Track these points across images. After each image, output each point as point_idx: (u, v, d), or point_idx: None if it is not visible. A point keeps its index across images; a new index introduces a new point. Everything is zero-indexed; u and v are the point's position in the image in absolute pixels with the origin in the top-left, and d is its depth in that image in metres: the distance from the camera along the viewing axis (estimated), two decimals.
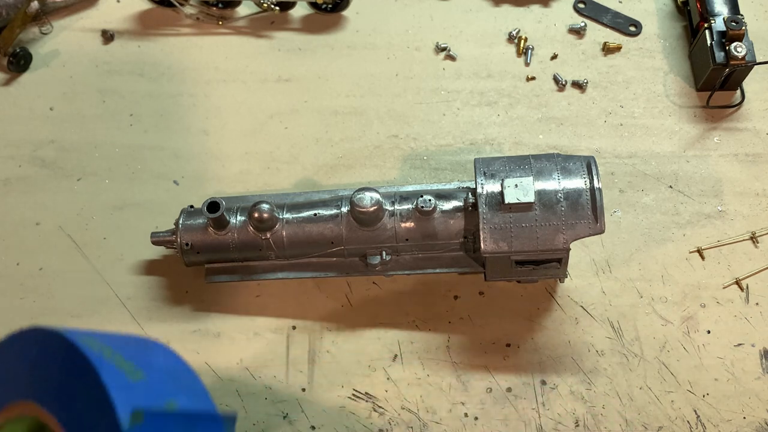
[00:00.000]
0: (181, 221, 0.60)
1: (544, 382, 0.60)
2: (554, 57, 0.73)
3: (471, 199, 0.57)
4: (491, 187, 0.55)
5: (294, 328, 0.62)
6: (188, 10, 0.77)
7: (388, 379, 0.60)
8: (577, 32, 0.75)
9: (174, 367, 0.26)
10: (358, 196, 0.56)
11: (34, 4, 0.74)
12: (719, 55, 0.66)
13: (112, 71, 0.75)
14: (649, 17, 0.75)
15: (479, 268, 0.59)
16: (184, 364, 0.27)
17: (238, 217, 0.59)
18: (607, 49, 0.74)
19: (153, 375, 0.24)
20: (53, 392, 0.25)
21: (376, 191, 0.57)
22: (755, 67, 0.67)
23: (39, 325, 0.26)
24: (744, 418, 0.58)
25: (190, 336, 0.62)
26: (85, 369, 0.24)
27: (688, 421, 0.58)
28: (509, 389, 0.59)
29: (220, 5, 0.77)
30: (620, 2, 0.76)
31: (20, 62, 0.74)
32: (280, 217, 0.59)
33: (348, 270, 0.61)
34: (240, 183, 0.68)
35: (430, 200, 0.57)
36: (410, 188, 0.62)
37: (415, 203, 0.57)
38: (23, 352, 0.27)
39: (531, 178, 0.55)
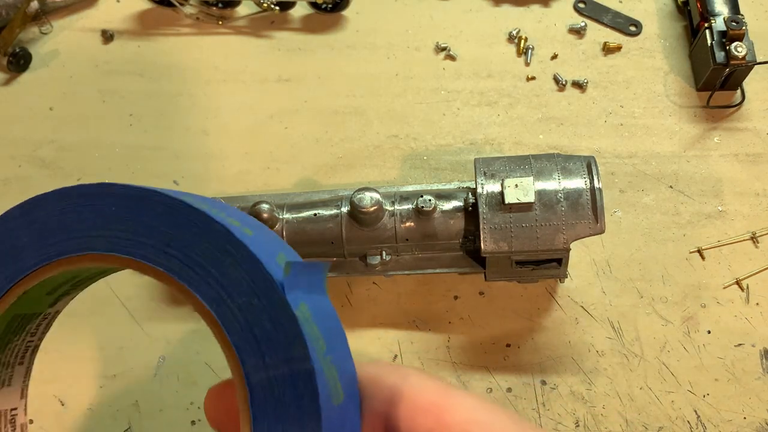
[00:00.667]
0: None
1: (544, 382, 0.60)
2: (554, 57, 0.73)
3: (471, 199, 0.57)
4: (491, 187, 0.55)
5: None
6: (188, 9, 0.77)
7: None
8: (577, 32, 0.75)
9: (262, 225, 0.28)
10: (358, 196, 0.56)
11: (34, 4, 0.74)
12: (719, 55, 0.66)
13: (112, 71, 0.75)
14: (649, 17, 0.75)
15: (479, 268, 0.59)
16: (259, 222, 0.29)
17: None
18: (607, 49, 0.74)
19: (256, 231, 0.26)
20: (159, 246, 0.26)
21: (376, 191, 0.57)
22: (755, 67, 0.67)
23: (112, 182, 0.27)
24: (744, 418, 0.58)
25: (190, 336, 0.62)
26: (202, 225, 0.25)
27: (688, 422, 0.58)
28: (509, 389, 0.59)
29: (220, 5, 0.77)
30: (620, 2, 0.76)
31: (20, 62, 0.74)
32: (280, 217, 0.59)
33: (348, 270, 0.61)
34: (240, 183, 0.68)
35: (430, 200, 0.57)
36: (410, 188, 0.61)
37: (415, 203, 0.57)
38: (92, 204, 0.27)
39: (531, 178, 0.54)
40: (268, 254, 0.25)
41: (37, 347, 0.32)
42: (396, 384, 0.28)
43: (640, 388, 0.59)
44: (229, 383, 0.28)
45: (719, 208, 0.65)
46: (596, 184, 0.54)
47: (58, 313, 0.32)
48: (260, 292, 0.24)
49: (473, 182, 0.59)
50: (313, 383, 0.23)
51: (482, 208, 0.54)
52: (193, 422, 0.60)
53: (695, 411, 0.58)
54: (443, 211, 0.58)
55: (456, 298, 0.63)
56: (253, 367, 0.24)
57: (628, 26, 0.75)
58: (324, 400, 0.23)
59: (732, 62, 0.66)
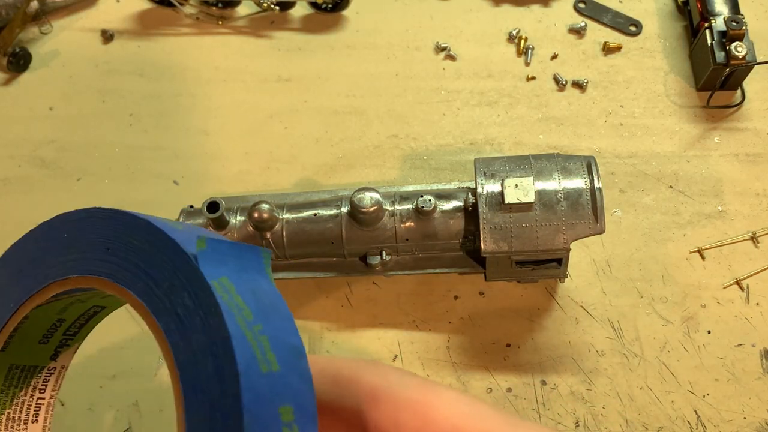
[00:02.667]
0: (180, 221, 0.60)
1: (544, 382, 0.60)
2: (554, 57, 0.73)
3: (471, 199, 0.57)
4: (491, 187, 0.55)
5: None
6: (188, 9, 0.77)
7: None
8: (578, 32, 0.75)
9: (198, 226, 0.29)
10: (358, 196, 0.56)
11: (34, 4, 0.74)
12: (719, 55, 0.66)
13: (112, 71, 0.75)
14: (649, 17, 0.75)
15: (479, 268, 0.59)
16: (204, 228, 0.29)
17: (238, 217, 0.59)
18: (608, 49, 0.73)
19: (187, 227, 0.27)
20: (98, 258, 0.26)
21: (376, 191, 0.57)
22: (755, 67, 0.67)
23: (58, 214, 0.28)
24: (744, 418, 0.58)
25: None
26: (133, 224, 0.26)
27: (688, 422, 0.58)
28: (509, 389, 0.59)
29: (220, 5, 0.77)
30: (620, 2, 0.76)
31: (20, 62, 0.74)
32: (280, 217, 0.59)
33: (348, 270, 0.61)
34: (240, 183, 0.68)
35: (430, 200, 0.57)
36: (410, 188, 0.61)
37: (415, 203, 0.57)
38: (49, 238, 0.29)
39: (531, 178, 0.54)
40: (191, 238, 0.25)
41: (50, 406, 0.32)
42: (375, 382, 0.27)
43: (640, 388, 0.59)
44: None
45: (719, 208, 0.65)
46: (596, 184, 0.54)
47: (64, 368, 0.32)
48: (180, 271, 0.24)
49: (473, 182, 0.59)
50: (230, 348, 0.22)
51: (482, 208, 0.54)
52: None
53: (695, 411, 0.58)
54: (443, 211, 0.58)
55: (456, 298, 0.63)
56: (180, 347, 0.24)
57: (628, 26, 0.75)
58: (244, 366, 0.22)
59: (732, 62, 0.66)
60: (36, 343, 0.31)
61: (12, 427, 0.31)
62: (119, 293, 0.26)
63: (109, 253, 0.26)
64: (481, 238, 0.54)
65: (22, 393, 0.31)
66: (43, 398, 0.32)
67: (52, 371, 0.32)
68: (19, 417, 0.31)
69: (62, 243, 0.28)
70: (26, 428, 0.31)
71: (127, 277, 0.25)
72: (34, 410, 0.31)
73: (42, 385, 0.32)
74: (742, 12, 0.68)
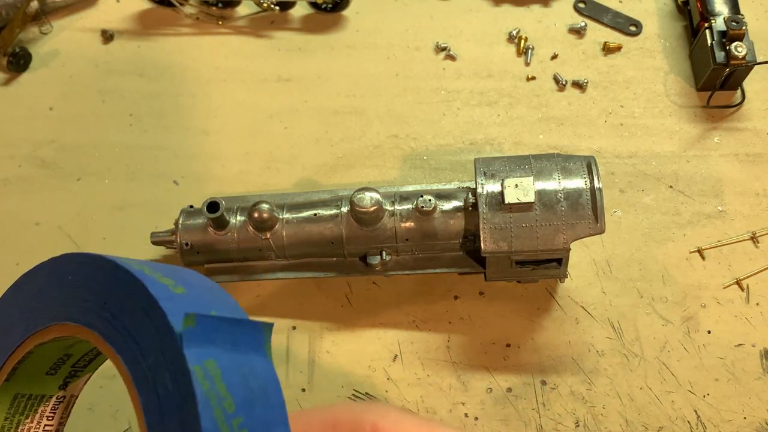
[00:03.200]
0: (180, 221, 0.60)
1: (544, 382, 0.60)
2: (554, 57, 0.73)
3: (471, 199, 0.57)
4: (491, 187, 0.55)
5: (294, 328, 0.62)
6: (188, 9, 0.77)
7: (388, 379, 0.60)
8: (578, 32, 0.75)
9: (208, 285, 0.27)
10: (358, 196, 0.56)
11: (34, 4, 0.74)
12: (719, 55, 0.66)
13: (112, 71, 0.75)
14: (649, 17, 0.75)
15: (479, 268, 0.59)
16: (215, 284, 0.28)
17: (238, 217, 0.59)
18: (608, 49, 0.74)
19: (192, 289, 0.26)
20: (95, 309, 0.25)
21: (376, 191, 0.57)
22: (755, 67, 0.67)
23: (70, 252, 0.27)
24: (744, 418, 0.58)
25: None
26: (130, 283, 0.24)
27: (688, 422, 0.58)
28: (509, 389, 0.59)
29: (220, 5, 0.77)
30: (620, 2, 0.76)
31: (20, 62, 0.74)
32: (280, 217, 0.59)
33: (348, 270, 0.61)
34: (240, 183, 0.68)
35: (430, 200, 0.57)
36: (410, 188, 0.61)
37: (415, 203, 0.57)
38: (55, 277, 0.28)
39: (531, 178, 0.54)
40: (187, 307, 0.24)
41: None
42: (377, 421, 0.27)
43: (640, 388, 0.59)
44: None
45: (719, 208, 0.65)
46: (596, 184, 0.54)
47: (74, 398, 0.32)
48: (166, 349, 0.23)
49: (473, 182, 0.59)
50: None
51: (482, 208, 0.54)
52: None
53: (695, 411, 0.58)
54: (443, 211, 0.58)
55: (456, 298, 0.63)
56: (156, 429, 0.23)
57: (628, 26, 0.75)
58: None
59: (732, 62, 0.66)
60: (43, 374, 0.30)
61: None
62: (110, 356, 0.25)
63: (105, 309, 0.25)
64: (481, 238, 0.54)
65: (29, 420, 0.31)
66: (51, 425, 0.31)
67: (61, 400, 0.31)
68: None
69: (66, 285, 0.27)
70: None
71: (119, 340, 0.24)
72: None
73: (50, 413, 0.31)
74: (742, 12, 0.68)
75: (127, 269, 0.25)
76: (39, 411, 0.31)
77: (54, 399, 0.31)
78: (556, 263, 0.56)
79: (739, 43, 0.66)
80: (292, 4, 0.76)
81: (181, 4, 0.76)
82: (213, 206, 0.58)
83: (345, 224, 0.58)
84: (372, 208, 0.56)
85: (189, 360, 0.22)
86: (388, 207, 0.58)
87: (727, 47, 0.66)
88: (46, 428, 0.31)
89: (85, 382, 0.32)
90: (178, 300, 0.24)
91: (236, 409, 0.22)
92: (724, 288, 0.62)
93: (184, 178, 0.69)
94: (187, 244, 0.60)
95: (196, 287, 0.26)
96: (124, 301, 0.24)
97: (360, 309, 0.63)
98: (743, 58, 0.65)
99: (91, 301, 0.26)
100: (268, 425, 0.23)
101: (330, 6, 0.76)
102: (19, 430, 0.30)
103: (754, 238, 0.64)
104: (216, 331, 0.23)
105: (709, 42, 0.67)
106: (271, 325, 0.25)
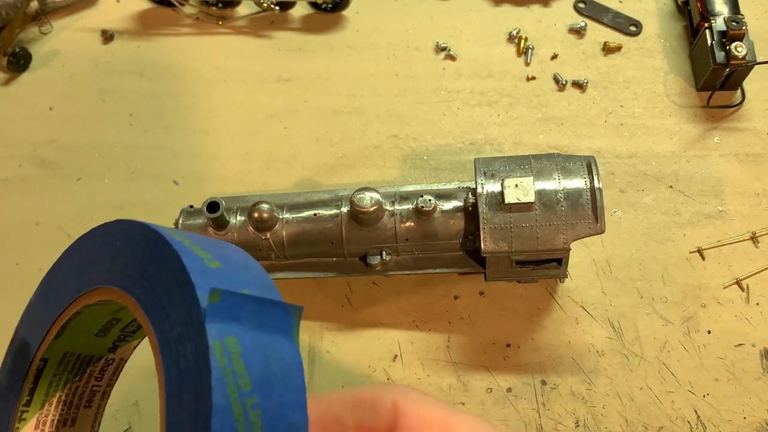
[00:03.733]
0: (180, 221, 0.60)
1: (544, 382, 0.60)
2: (554, 57, 0.73)
3: (471, 199, 0.57)
4: (491, 187, 0.55)
5: None
6: (188, 9, 0.77)
7: (388, 379, 0.60)
8: (578, 32, 0.75)
9: (247, 263, 0.27)
10: (358, 196, 0.56)
11: (34, 4, 0.74)
12: (719, 55, 0.66)
13: (112, 71, 0.75)
14: (649, 17, 0.75)
15: (479, 268, 0.59)
16: (256, 262, 0.28)
17: (238, 217, 0.59)
18: (608, 49, 0.73)
19: (228, 266, 0.26)
20: (135, 276, 0.26)
21: (376, 191, 0.57)
22: (755, 67, 0.67)
23: (122, 219, 0.28)
24: (744, 418, 0.58)
25: None
26: (168, 253, 0.25)
27: (688, 422, 0.58)
28: (509, 389, 0.59)
29: (220, 5, 0.77)
30: (620, 2, 0.76)
31: (20, 62, 0.74)
32: (280, 217, 0.59)
33: (348, 270, 0.61)
34: (240, 183, 0.68)
35: (430, 200, 0.57)
36: (410, 188, 0.61)
37: (415, 203, 0.57)
38: (106, 241, 0.28)
39: (531, 178, 0.54)
40: (226, 286, 0.24)
41: (106, 393, 0.32)
42: (398, 400, 0.28)
43: (640, 388, 0.59)
44: None
45: (719, 208, 0.65)
46: (596, 184, 0.54)
47: (123, 361, 0.32)
48: (191, 321, 0.23)
49: (473, 182, 0.59)
50: (208, 420, 0.21)
51: (482, 208, 0.54)
52: None
53: (695, 411, 0.58)
54: (443, 211, 0.58)
55: (456, 298, 0.63)
56: (173, 401, 0.23)
57: (628, 26, 0.75)
58: None
59: (732, 62, 0.66)
60: (92, 336, 0.31)
61: (63, 410, 0.31)
62: (144, 323, 0.25)
63: (144, 277, 0.25)
64: (481, 238, 0.54)
65: (77, 379, 0.31)
66: (99, 386, 0.32)
67: (110, 362, 0.32)
68: (71, 401, 0.31)
69: (115, 250, 0.27)
70: (77, 413, 0.31)
71: (153, 309, 0.25)
72: (88, 396, 0.32)
73: (99, 373, 0.32)
74: (742, 12, 0.68)
75: (165, 239, 0.25)
76: (87, 371, 0.32)
77: (103, 361, 0.32)
78: (556, 263, 0.56)
79: (739, 43, 0.66)
80: (292, 4, 0.76)
81: (181, 4, 0.76)
82: (213, 206, 0.58)
83: (345, 224, 0.58)
84: (372, 208, 0.56)
85: (209, 334, 0.22)
86: (388, 207, 0.58)
87: (727, 47, 0.66)
88: (94, 388, 0.32)
89: (135, 347, 0.32)
90: (211, 274, 0.24)
91: (252, 389, 0.22)
92: (724, 288, 0.62)
93: (184, 178, 0.69)
94: None
95: (235, 263, 0.26)
96: (161, 271, 0.25)
97: (360, 309, 0.63)
98: (743, 58, 0.65)
99: (133, 268, 0.26)
100: (284, 408, 0.23)
101: (330, 6, 0.76)
102: (67, 387, 0.31)
103: (754, 238, 0.64)
104: (242, 309, 0.23)
105: (709, 42, 0.67)
106: (301, 308, 0.25)
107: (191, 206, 0.62)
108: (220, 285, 0.24)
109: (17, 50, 0.73)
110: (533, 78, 0.73)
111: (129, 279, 0.26)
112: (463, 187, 0.61)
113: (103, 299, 0.28)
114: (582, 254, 0.64)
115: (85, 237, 0.30)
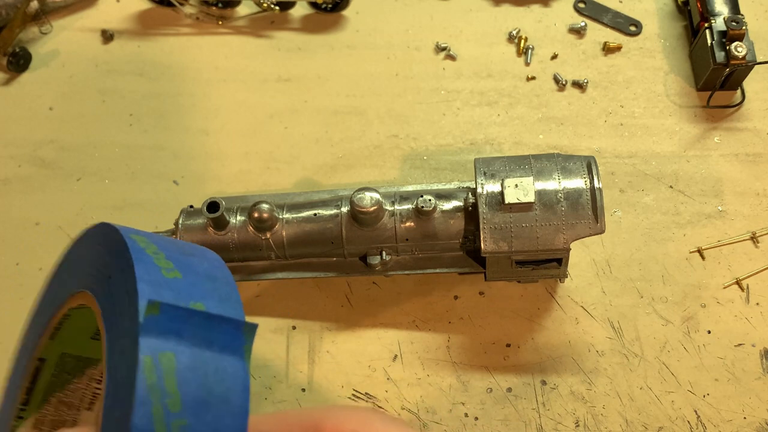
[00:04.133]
0: (180, 221, 0.60)
1: (544, 382, 0.60)
2: (554, 57, 0.73)
3: (471, 199, 0.57)
4: (491, 187, 0.55)
5: (294, 328, 0.62)
6: (188, 9, 0.77)
7: (388, 379, 0.60)
8: (578, 32, 0.75)
9: (214, 274, 0.26)
10: (358, 196, 0.56)
11: (34, 4, 0.74)
12: (719, 55, 0.66)
13: (112, 71, 0.75)
14: (649, 17, 0.75)
15: (479, 268, 0.59)
16: (227, 272, 0.27)
17: (238, 217, 0.59)
18: (608, 49, 0.74)
19: (189, 277, 0.25)
20: (102, 282, 0.25)
21: (376, 191, 0.57)
22: (755, 67, 0.67)
23: (108, 222, 0.27)
24: (744, 418, 0.58)
25: None
26: (126, 260, 0.24)
27: (688, 422, 0.58)
28: (509, 389, 0.59)
29: (219, 5, 0.77)
30: (620, 2, 0.76)
31: (20, 62, 0.74)
32: (280, 217, 0.59)
33: (348, 270, 0.61)
34: (240, 183, 0.68)
35: (430, 200, 0.57)
36: (410, 188, 0.61)
37: (415, 203, 0.57)
38: (91, 244, 0.28)
39: (531, 178, 0.54)
40: (177, 298, 0.23)
41: None
42: (339, 424, 0.26)
43: (640, 388, 0.59)
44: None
45: (719, 208, 0.65)
46: (596, 184, 0.54)
47: None
48: (131, 334, 0.22)
49: (473, 182, 0.59)
50: None
51: (482, 208, 0.54)
52: None
53: (695, 411, 0.58)
54: (443, 211, 0.58)
55: (456, 298, 0.63)
56: (107, 419, 0.22)
57: (628, 26, 0.75)
58: None
59: (732, 62, 0.66)
60: (88, 339, 0.30)
61: (63, 411, 0.31)
62: (101, 331, 0.24)
63: (109, 283, 0.25)
64: (481, 238, 0.54)
65: (77, 381, 0.31)
66: (100, 388, 0.31)
67: None
68: (72, 402, 0.31)
69: (94, 254, 0.27)
70: (79, 413, 0.31)
71: (110, 317, 0.24)
72: (90, 398, 0.31)
73: (100, 376, 0.31)
74: (742, 12, 0.68)
75: (127, 245, 0.24)
76: (87, 373, 0.31)
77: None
78: (556, 263, 0.56)
79: (739, 43, 0.66)
80: (292, 4, 0.76)
81: (181, 4, 0.76)
82: (213, 206, 0.58)
83: (345, 224, 0.58)
84: (372, 208, 0.56)
85: (141, 349, 0.21)
86: (388, 207, 0.58)
87: (727, 47, 0.66)
88: (96, 391, 0.32)
89: None
90: (164, 285, 0.23)
91: (182, 410, 0.21)
92: (724, 288, 0.62)
93: (184, 178, 0.69)
94: None
95: (198, 274, 0.25)
96: (120, 278, 0.24)
97: (360, 309, 0.63)
98: (743, 58, 0.65)
99: (102, 274, 0.26)
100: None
101: (330, 6, 0.76)
102: (67, 387, 0.31)
103: (754, 238, 0.64)
104: (186, 324, 0.22)
105: (709, 42, 0.67)
106: (254, 327, 0.24)
107: (191, 206, 0.62)
108: (171, 297, 0.22)
109: (17, 50, 0.73)
110: (533, 78, 0.73)
111: (98, 284, 0.25)
112: (463, 187, 0.61)
113: (82, 303, 0.27)
114: (582, 254, 0.64)
115: (78, 239, 0.30)
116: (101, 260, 0.26)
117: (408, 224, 0.58)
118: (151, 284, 0.23)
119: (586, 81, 0.72)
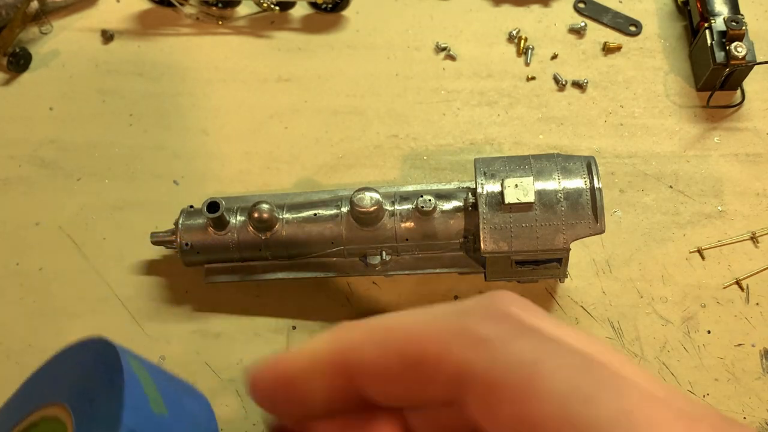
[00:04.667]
0: (180, 221, 0.60)
1: None
2: (554, 57, 0.73)
3: (471, 199, 0.57)
4: (491, 187, 0.55)
5: (294, 328, 0.62)
6: (188, 9, 0.77)
7: None
8: (577, 32, 0.75)
9: (200, 417, 0.26)
10: (358, 196, 0.56)
11: (34, 4, 0.74)
12: (719, 55, 0.66)
13: (112, 71, 0.75)
14: (649, 17, 0.75)
15: (479, 268, 0.59)
16: (213, 425, 0.27)
17: (238, 217, 0.59)
18: (607, 49, 0.73)
19: (174, 414, 0.24)
20: (84, 399, 0.25)
21: (376, 191, 0.57)
22: (755, 67, 0.67)
23: (103, 337, 0.27)
24: (744, 418, 0.58)
25: (189, 336, 0.62)
26: (117, 383, 0.24)
27: None
28: None
29: (219, 5, 0.77)
30: (620, 2, 0.76)
31: (20, 62, 0.74)
32: (280, 217, 0.59)
33: (348, 270, 0.61)
34: (240, 183, 0.68)
35: (430, 200, 0.57)
36: (410, 188, 0.61)
37: (415, 203, 0.57)
38: (82, 355, 0.28)
39: (531, 178, 0.54)
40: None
41: None
42: (467, 359, 0.18)
43: None
44: (278, 361, 0.24)
45: (719, 208, 0.65)
46: (596, 184, 0.54)
47: None
48: None
49: (473, 182, 0.59)
50: None
51: (482, 208, 0.54)
52: None
53: None
54: (443, 211, 0.58)
55: (456, 298, 0.63)
56: None
57: (628, 26, 0.75)
58: None
59: (732, 62, 0.66)
60: None
61: None
62: None
63: (91, 404, 0.24)
64: (481, 238, 0.54)
65: None
66: None
67: None
68: None
69: (84, 366, 0.27)
70: None
71: None
72: None
73: None
74: (742, 12, 0.68)
75: (122, 366, 0.24)
76: None
77: None
78: (556, 263, 0.56)
79: (739, 43, 0.66)
80: (292, 4, 0.76)
81: (181, 4, 0.76)
82: (213, 206, 0.58)
83: (345, 224, 0.58)
84: (372, 208, 0.56)
85: None
86: (388, 207, 0.58)
87: (727, 47, 0.66)
88: None
89: None
90: (149, 419, 0.23)
91: None
92: (724, 288, 0.62)
93: (184, 178, 0.69)
94: (187, 244, 0.60)
95: (183, 413, 0.25)
96: (106, 398, 0.24)
97: (360, 309, 0.63)
98: (743, 58, 0.65)
99: (87, 389, 0.25)
100: None
101: (330, 6, 0.76)
102: None
103: (754, 238, 0.64)
104: None
105: (709, 42, 0.67)
106: None
107: (191, 206, 0.62)
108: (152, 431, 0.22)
109: (17, 50, 0.73)
110: (533, 78, 0.73)
111: (78, 400, 0.25)
112: (463, 187, 0.61)
113: (57, 416, 0.27)
114: (582, 254, 0.64)
115: (70, 347, 0.29)
116: (88, 374, 0.26)
117: (408, 224, 0.58)
118: (136, 415, 0.23)
119: (586, 81, 0.72)
